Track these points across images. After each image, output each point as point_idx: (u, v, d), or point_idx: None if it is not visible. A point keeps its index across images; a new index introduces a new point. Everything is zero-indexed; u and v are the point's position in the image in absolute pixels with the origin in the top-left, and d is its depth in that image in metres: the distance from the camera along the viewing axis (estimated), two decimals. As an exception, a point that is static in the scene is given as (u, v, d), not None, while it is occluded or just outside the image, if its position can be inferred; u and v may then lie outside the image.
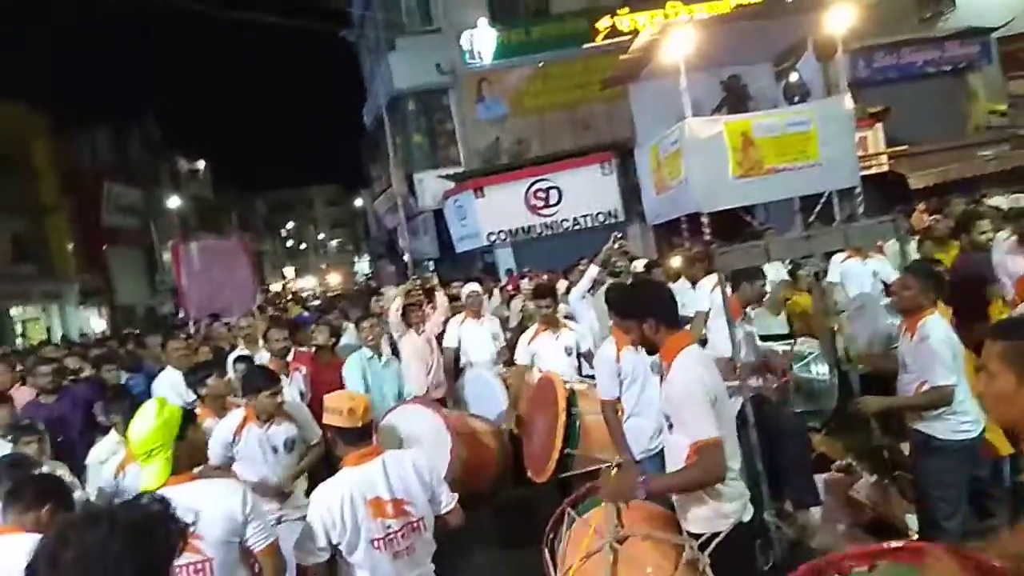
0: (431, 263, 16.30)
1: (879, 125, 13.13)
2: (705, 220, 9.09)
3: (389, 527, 2.56)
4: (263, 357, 5.37)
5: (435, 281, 6.62)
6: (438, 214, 15.64)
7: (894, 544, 1.98)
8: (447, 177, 14.88)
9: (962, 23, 15.69)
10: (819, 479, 4.00)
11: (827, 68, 9.84)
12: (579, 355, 4.97)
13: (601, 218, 13.20)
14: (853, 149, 9.98)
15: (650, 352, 2.82)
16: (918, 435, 3.29)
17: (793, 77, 10.52)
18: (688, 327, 3.95)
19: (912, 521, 3.43)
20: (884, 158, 12.88)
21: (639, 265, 7.69)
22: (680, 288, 5.77)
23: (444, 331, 5.85)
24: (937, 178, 12.11)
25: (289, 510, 3.68)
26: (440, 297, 6.06)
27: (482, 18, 16.24)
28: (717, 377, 2.59)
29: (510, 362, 5.44)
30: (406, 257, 16.75)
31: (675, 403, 2.54)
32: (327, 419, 2.71)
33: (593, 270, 5.77)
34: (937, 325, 3.22)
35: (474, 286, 6.15)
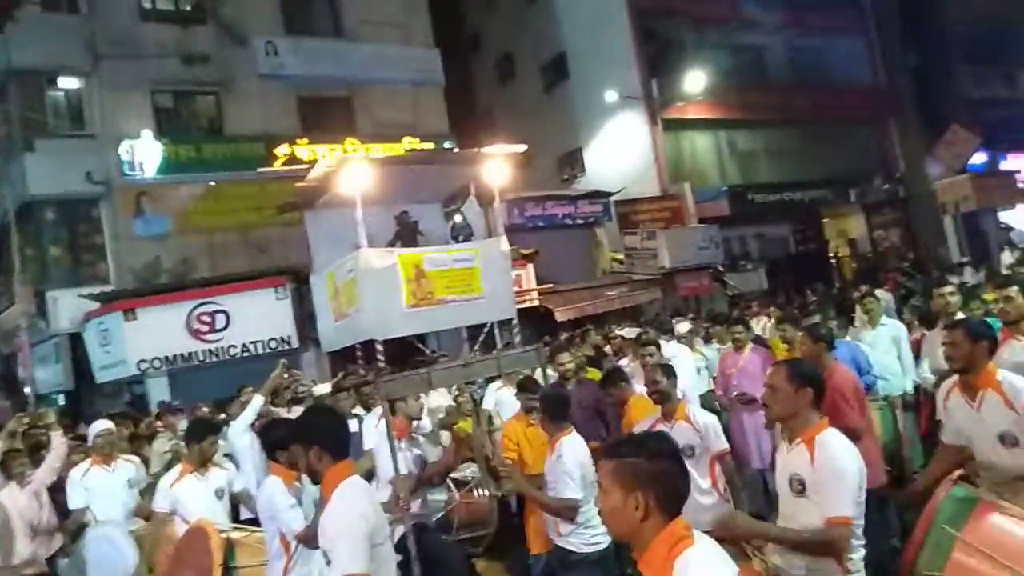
0: (61, 396, 13.76)
1: (530, 265, 14.96)
2: (380, 347, 9.22)
3: None
4: None
5: (51, 418, 5.46)
6: (75, 339, 13.43)
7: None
8: (91, 297, 12.99)
9: (591, 186, 19.10)
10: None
11: (488, 213, 11.05)
12: (232, 497, 4.47)
13: (273, 345, 12.58)
14: (510, 285, 11.13)
15: (315, 482, 2.69)
16: (559, 551, 3.56)
17: (459, 219, 11.56)
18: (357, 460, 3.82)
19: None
20: (535, 294, 14.61)
21: (322, 389, 7.41)
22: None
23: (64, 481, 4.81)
24: (577, 312, 14.07)
25: None
26: (56, 439, 4.93)
27: (146, 130, 15.15)
28: (379, 511, 2.53)
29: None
30: (28, 389, 13.91)
31: (330, 536, 2.42)
32: None
33: (258, 401, 5.38)
34: (571, 445, 3.60)
35: (104, 424, 5.14)
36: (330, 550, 2.45)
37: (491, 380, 6.57)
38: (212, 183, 15.55)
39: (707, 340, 8.63)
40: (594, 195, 18.21)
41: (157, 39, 15.45)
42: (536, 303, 14.46)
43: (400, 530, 3.52)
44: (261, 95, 16.40)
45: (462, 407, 5.87)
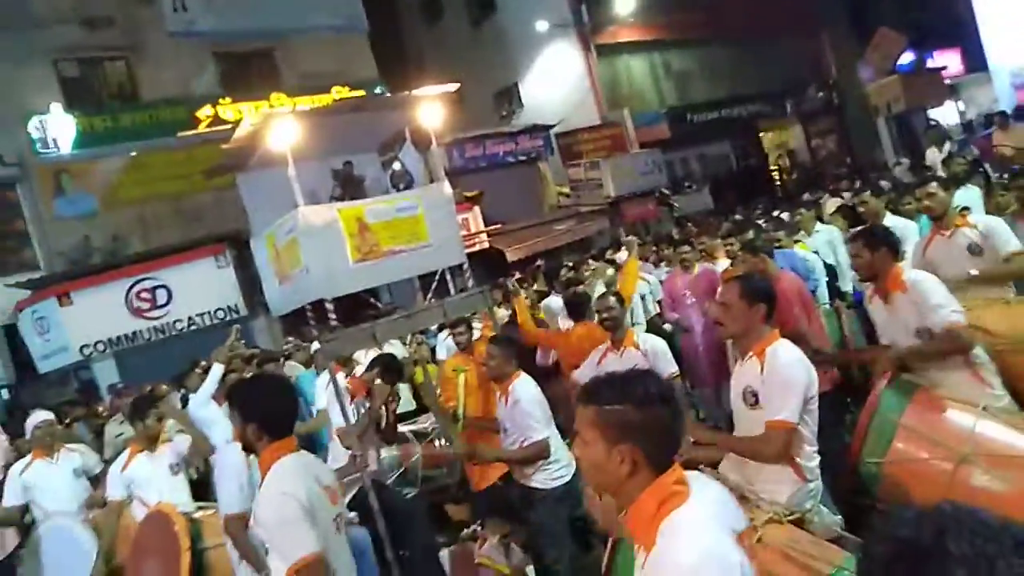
0: (4, 391, 13.27)
1: (476, 208, 14.78)
2: (330, 307, 9.07)
3: None
4: None
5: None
6: (10, 330, 12.87)
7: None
8: (19, 285, 12.39)
9: (530, 121, 18.80)
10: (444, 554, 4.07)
11: (427, 158, 10.75)
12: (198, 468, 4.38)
13: (221, 315, 12.26)
14: (457, 229, 10.94)
15: (251, 454, 2.57)
16: (522, 490, 3.57)
17: (397, 166, 11.27)
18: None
19: (532, 572, 3.67)
20: (484, 236, 14.49)
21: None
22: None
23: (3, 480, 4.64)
24: (527, 251, 14.01)
25: None
26: (-4, 437, 4.79)
27: (55, 103, 14.25)
28: (313, 485, 2.38)
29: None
30: (-33, 388, 13.37)
31: (266, 525, 2.28)
32: None
33: (217, 370, 5.24)
34: (525, 386, 3.57)
35: (42, 415, 4.88)
36: (268, 540, 2.30)
37: (443, 328, 6.51)
38: (134, 153, 14.81)
39: (657, 263, 8.71)
40: (533, 130, 17.94)
41: (52, 5, 14.38)
42: (487, 245, 14.35)
43: (353, 490, 3.48)
44: (175, 56, 15.51)
45: (416, 357, 5.84)
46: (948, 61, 23.72)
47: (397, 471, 4.09)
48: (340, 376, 4.94)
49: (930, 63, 23.47)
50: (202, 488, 4.71)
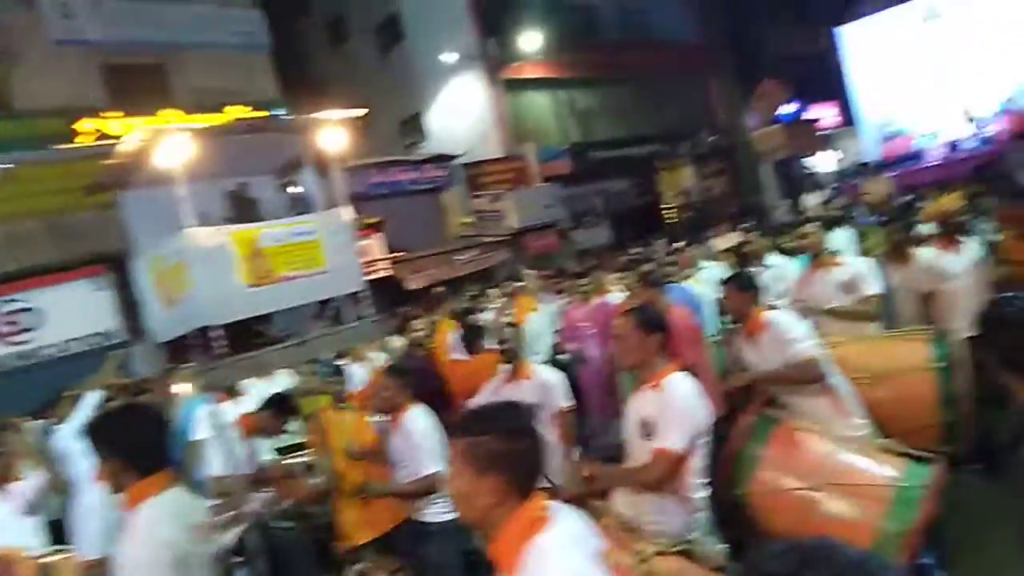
0: None
1: (379, 234, 14.55)
2: (218, 333, 8.64)
3: None
4: None
5: None
6: None
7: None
8: None
9: (435, 151, 18.83)
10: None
11: (328, 182, 10.50)
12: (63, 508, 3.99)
13: (97, 340, 11.43)
14: (356, 256, 10.75)
15: (115, 491, 2.35)
16: (414, 524, 3.49)
17: (294, 190, 10.97)
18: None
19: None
20: (385, 264, 14.25)
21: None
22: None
23: None
24: (427, 280, 13.87)
25: None
26: None
27: (-86, 107, 13.03)
28: (186, 528, 2.21)
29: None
30: None
31: (133, 572, 2.11)
32: None
33: (92, 398, 4.83)
34: (417, 418, 3.50)
35: None
36: None
37: (339, 356, 6.31)
38: (7, 166, 13.68)
39: (558, 294, 8.82)
40: (438, 159, 17.96)
41: (-84, 2, 13.24)
42: (387, 273, 14.12)
43: (232, 530, 3.28)
44: (58, 64, 14.49)
45: (307, 387, 5.61)
46: (826, 113, 25.75)
47: (274, 507, 3.89)
48: (227, 406, 4.68)
49: (808, 114, 25.38)
50: (61, 530, 4.31)
